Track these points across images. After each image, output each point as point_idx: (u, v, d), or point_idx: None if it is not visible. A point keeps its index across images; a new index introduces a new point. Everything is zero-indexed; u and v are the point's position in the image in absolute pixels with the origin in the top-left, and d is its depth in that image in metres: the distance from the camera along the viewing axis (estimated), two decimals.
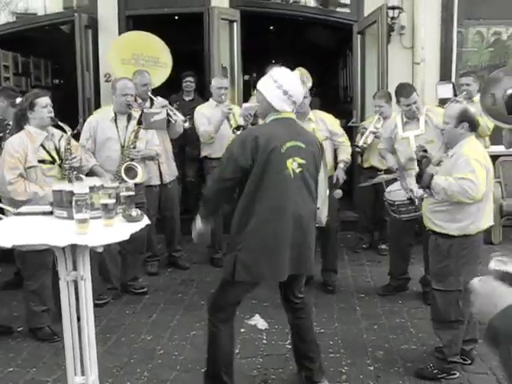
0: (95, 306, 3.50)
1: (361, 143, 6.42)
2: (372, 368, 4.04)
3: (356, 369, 4.03)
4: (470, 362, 4.00)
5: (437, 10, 7.60)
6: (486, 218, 3.87)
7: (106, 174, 4.98)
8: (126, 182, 4.85)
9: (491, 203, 3.97)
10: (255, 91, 3.59)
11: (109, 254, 5.09)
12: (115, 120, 5.24)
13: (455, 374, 3.89)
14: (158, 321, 4.90)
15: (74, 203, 2.82)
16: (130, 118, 5.28)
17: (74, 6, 8.61)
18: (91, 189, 3.01)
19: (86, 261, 2.94)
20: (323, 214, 4.99)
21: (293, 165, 3.32)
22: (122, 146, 5.17)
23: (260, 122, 3.91)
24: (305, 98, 5.22)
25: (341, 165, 5.53)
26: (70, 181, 4.20)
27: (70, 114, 5.08)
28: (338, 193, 5.29)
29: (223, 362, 3.54)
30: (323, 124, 5.49)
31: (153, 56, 6.96)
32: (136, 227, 3.03)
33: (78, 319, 3.09)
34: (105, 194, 2.99)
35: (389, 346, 4.39)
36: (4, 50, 9.34)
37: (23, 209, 3.48)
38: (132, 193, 3.22)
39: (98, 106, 7.27)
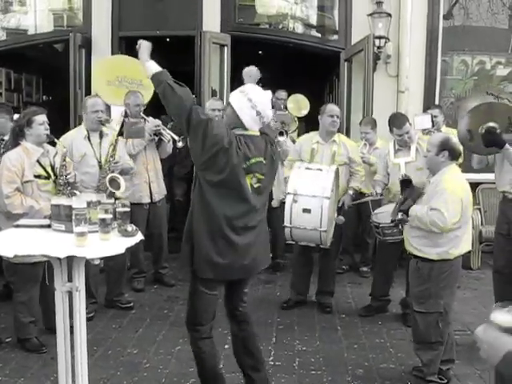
0: None
1: None
2: None
3: None
4: (446, 381, 4.13)
5: (422, 41, 7.84)
6: (464, 244, 4.05)
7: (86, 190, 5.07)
8: (111, 193, 4.98)
9: (470, 229, 4.15)
10: (227, 103, 3.62)
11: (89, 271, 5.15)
12: (88, 137, 5.29)
13: None
14: (144, 335, 5.00)
15: (73, 217, 2.95)
16: (101, 134, 5.34)
17: (64, 25, 8.80)
18: (88, 204, 3.13)
19: (81, 273, 3.06)
20: (329, 236, 5.14)
21: (252, 180, 3.43)
22: (99, 162, 5.23)
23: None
24: (337, 117, 5.49)
25: (350, 191, 5.73)
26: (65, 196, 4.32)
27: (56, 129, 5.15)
28: (340, 219, 5.41)
29: (211, 380, 3.70)
30: (345, 149, 5.67)
31: (136, 78, 7.13)
32: (131, 242, 3.15)
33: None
34: (102, 209, 3.12)
35: (368, 364, 4.52)
36: None
37: (22, 221, 3.60)
38: (128, 209, 3.35)
39: None
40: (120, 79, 7.17)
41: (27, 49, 9.03)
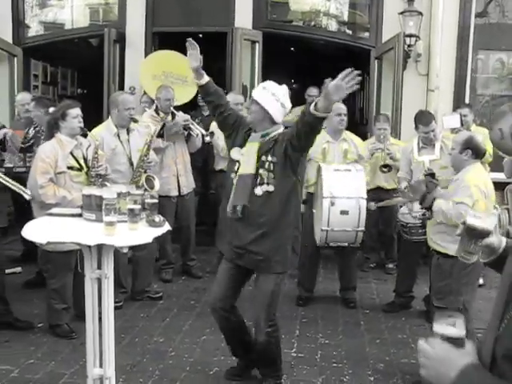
0: None
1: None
2: (372, 379, 4.24)
3: (356, 379, 4.23)
4: None
5: (453, 39, 7.77)
6: None
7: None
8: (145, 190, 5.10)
9: None
10: (250, 101, 3.86)
11: (119, 261, 5.26)
12: (118, 134, 5.35)
13: None
14: (171, 325, 5.13)
15: (103, 207, 3.08)
16: (128, 131, 5.41)
17: (100, 20, 8.99)
18: (118, 195, 3.25)
19: (110, 261, 3.18)
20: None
21: None
22: (129, 158, 5.34)
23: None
24: (345, 115, 5.59)
25: None
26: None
27: (89, 122, 5.25)
28: (372, 205, 5.49)
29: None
30: (354, 147, 5.75)
31: (182, 75, 7.22)
32: (158, 232, 3.27)
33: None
34: (131, 199, 3.25)
35: (389, 359, 4.58)
36: (35, 60, 9.68)
37: (54, 210, 3.74)
38: (156, 200, 3.47)
39: None
40: (166, 74, 7.32)
41: (63, 43, 9.23)
